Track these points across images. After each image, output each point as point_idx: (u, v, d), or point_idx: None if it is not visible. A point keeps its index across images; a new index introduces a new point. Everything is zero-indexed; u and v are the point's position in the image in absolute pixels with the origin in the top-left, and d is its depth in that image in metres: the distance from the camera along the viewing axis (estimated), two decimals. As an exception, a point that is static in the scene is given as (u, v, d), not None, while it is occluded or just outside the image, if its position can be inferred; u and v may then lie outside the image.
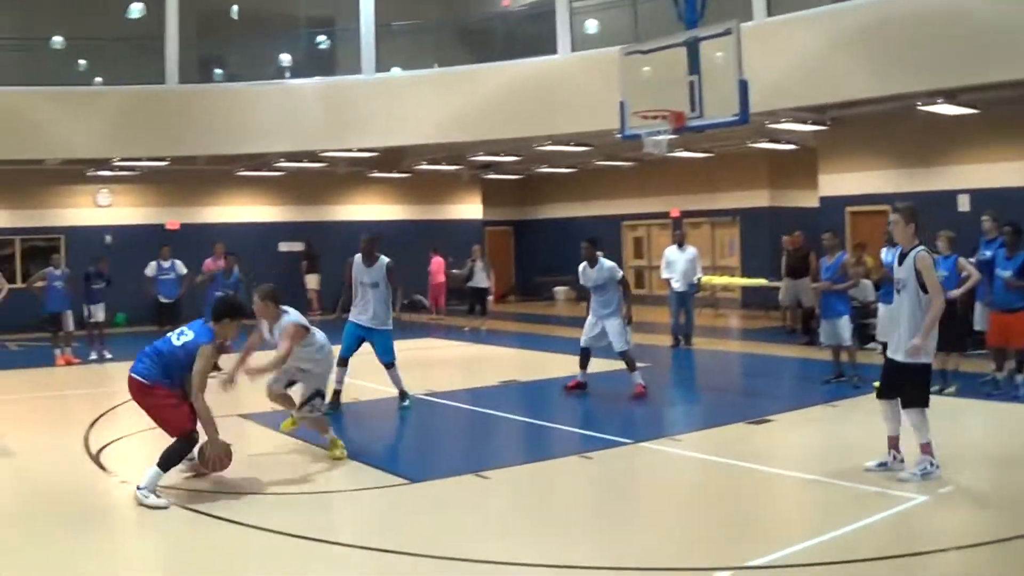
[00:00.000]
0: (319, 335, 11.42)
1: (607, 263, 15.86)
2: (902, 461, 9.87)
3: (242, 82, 28.08)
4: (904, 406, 9.75)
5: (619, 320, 15.67)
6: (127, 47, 28.09)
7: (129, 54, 28.23)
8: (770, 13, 20.95)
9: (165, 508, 9.17)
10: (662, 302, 26.63)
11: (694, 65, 17.14)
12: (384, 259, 14.86)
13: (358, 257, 15.37)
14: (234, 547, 8.33)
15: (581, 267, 16.06)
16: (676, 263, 22.44)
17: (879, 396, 10.06)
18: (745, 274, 30.76)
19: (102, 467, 11.19)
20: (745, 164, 31.56)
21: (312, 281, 33.06)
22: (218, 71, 30.08)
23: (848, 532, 8.17)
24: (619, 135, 19.10)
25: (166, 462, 9.50)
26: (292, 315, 11.16)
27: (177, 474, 10.03)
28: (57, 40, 27.55)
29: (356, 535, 8.53)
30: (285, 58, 29.29)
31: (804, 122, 23.32)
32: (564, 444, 12.70)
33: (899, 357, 9.72)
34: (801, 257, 22.59)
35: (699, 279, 22.96)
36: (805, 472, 10.20)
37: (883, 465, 9.92)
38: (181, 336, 9.90)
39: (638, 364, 15.84)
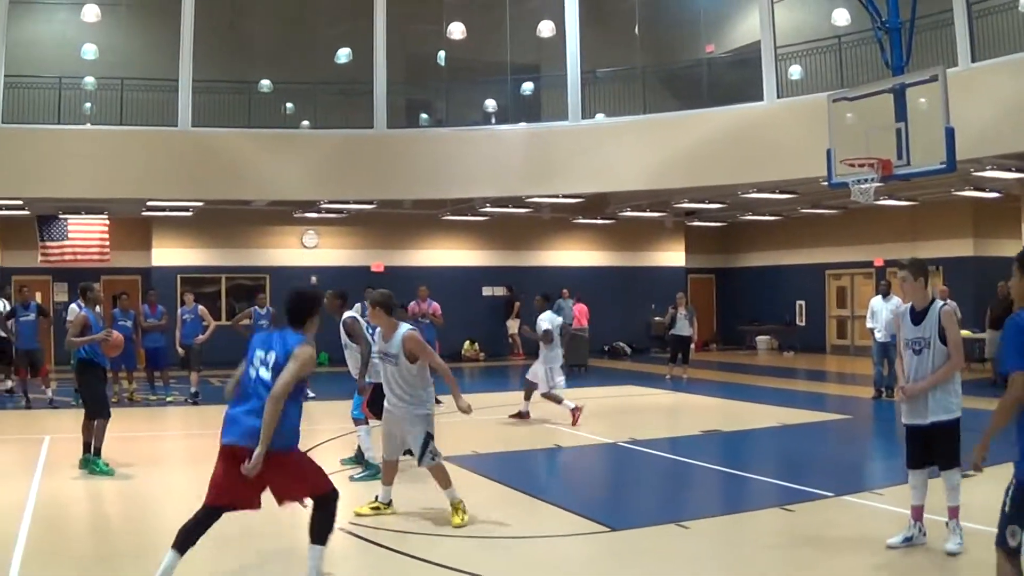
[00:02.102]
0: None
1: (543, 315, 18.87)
2: (924, 533, 9.43)
3: (449, 127, 28.62)
4: (942, 468, 9.34)
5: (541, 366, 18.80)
6: (335, 92, 28.79)
7: (337, 98, 28.93)
8: (974, 59, 20.53)
9: None
10: (866, 353, 26.23)
11: (901, 112, 16.98)
12: (345, 314, 14.12)
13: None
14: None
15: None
16: (880, 313, 22.06)
17: (910, 466, 9.51)
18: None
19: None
20: (949, 212, 31.01)
21: (514, 326, 33.35)
22: (424, 116, 30.65)
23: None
24: (826, 183, 18.96)
25: (326, 534, 8.08)
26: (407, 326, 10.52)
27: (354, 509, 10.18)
28: (265, 84, 28.54)
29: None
30: (491, 104, 29.77)
31: (1008, 170, 22.80)
32: (765, 495, 12.56)
33: (919, 421, 9.35)
34: (1007, 308, 22.03)
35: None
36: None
37: (908, 540, 9.44)
38: (265, 367, 7.89)
39: (839, 416, 15.71)
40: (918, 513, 9.49)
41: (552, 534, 10.18)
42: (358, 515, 10.52)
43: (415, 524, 10.35)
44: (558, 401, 18.53)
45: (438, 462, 10.41)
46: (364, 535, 9.86)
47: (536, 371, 18.80)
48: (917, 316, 9.37)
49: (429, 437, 10.35)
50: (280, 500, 7.94)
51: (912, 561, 9.09)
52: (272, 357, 7.84)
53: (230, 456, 7.65)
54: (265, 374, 7.79)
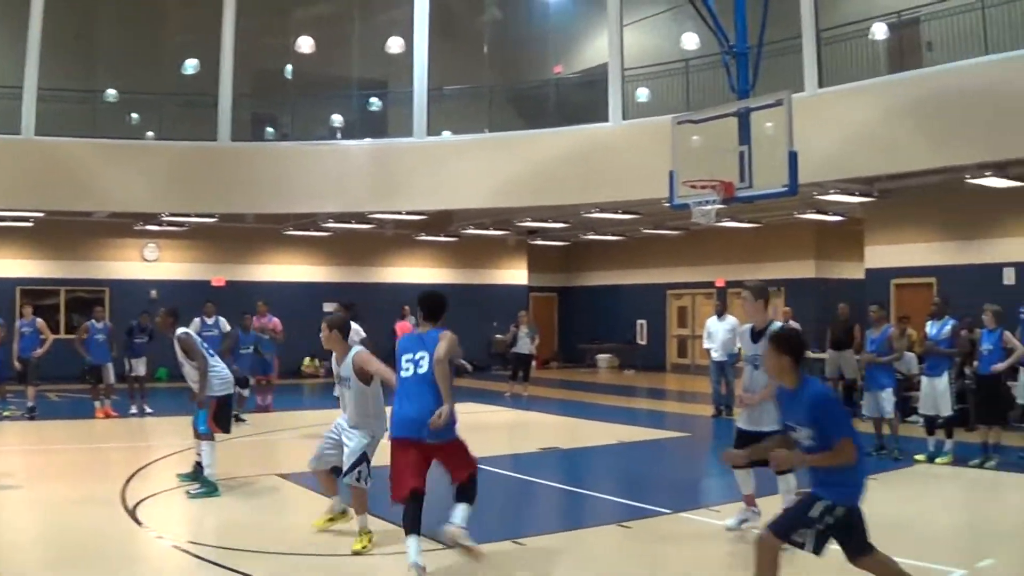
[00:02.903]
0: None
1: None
2: (759, 513, 10.29)
3: (293, 141, 28.28)
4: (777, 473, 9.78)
5: None
6: (181, 103, 28.31)
7: (183, 110, 28.45)
8: (821, 84, 20.93)
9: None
10: (706, 371, 26.53)
11: (745, 135, 17.16)
12: (178, 330, 13.98)
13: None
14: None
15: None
16: (716, 333, 22.41)
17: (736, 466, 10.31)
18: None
19: (137, 521, 11.18)
20: (792, 235, 31.57)
21: (355, 343, 33.09)
22: (270, 130, 30.32)
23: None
24: (668, 204, 19.09)
25: (474, 497, 9.70)
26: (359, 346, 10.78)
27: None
28: (111, 93, 27.97)
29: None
30: (337, 119, 29.56)
31: (852, 194, 23.28)
32: (603, 512, 12.57)
33: (755, 428, 9.96)
34: (846, 329, 22.35)
35: (739, 349, 22.84)
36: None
37: (745, 521, 10.43)
38: (419, 366, 9.07)
39: (678, 433, 15.87)
40: (751, 500, 10.35)
41: (385, 552, 10.04)
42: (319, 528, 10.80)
43: (258, 544, 10.13)
44: None
45: (362, 486, 10.19)
46: (202, 555, 9.64)
47: None
48: (756, 335, 10.08)
49: (364, 458, 10.25)
50: (455, 477, 9.61)
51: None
52: (424, 356, 9.05)
53: (401, 448, 9.18)
54: (421, 370, 9.03)
